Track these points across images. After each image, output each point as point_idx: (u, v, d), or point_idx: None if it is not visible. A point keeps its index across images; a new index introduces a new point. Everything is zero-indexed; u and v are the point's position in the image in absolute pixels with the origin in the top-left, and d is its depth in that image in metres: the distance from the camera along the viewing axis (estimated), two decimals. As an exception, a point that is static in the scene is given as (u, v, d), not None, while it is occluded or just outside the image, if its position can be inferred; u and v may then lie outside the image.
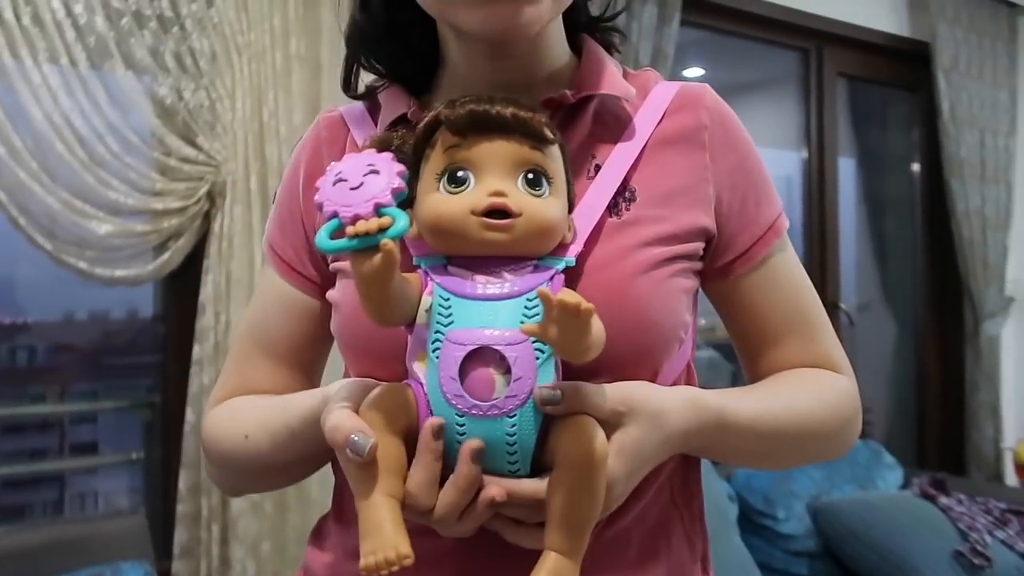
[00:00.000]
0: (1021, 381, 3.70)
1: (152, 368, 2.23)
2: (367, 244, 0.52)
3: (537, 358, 0.55)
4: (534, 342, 0.55)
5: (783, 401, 0.69)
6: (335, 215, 0.54)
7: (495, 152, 0.57)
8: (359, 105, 0.77)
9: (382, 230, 0.52)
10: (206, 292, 1.96)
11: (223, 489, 0.86)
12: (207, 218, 1.99)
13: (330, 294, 0.72)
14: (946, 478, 2.56)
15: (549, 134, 0.59)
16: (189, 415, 1.95)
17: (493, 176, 0.57)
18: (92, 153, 1.83)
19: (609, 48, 0.77)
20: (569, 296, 0.50)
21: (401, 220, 0.53)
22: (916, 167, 3.65)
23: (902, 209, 3.71)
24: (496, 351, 0.54)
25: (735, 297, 0.72)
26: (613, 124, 0.70)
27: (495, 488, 0.54)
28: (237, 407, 0.75)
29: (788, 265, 0.74)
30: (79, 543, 1.75)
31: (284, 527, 2.00)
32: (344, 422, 0.55)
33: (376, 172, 0.55)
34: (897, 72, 3.44)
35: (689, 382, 0.73)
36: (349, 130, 0.75)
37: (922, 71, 3.31)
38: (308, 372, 0.78)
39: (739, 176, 0.71)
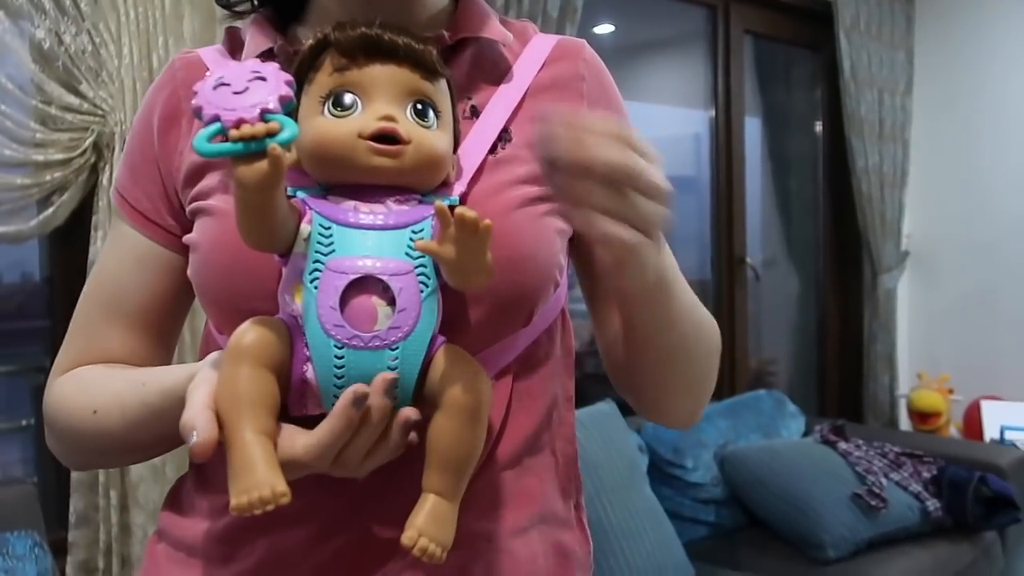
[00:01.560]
0: (915, 332, 3.87)
1: (43, 332, 2.12)
2: (253, 150, 0.49)
3: (421, 291, 0.53)
4: (418, 274, 0.53)
5: (693, 299, 0.72)
6: (216, 119, 0.50)
7: (385, 78, 0.55)
8: (217, 46, 0.73)
9: (270, 135, 0.49)
10: (95, 249, 1.85)
11: (67, 463, 0.79)
12: (94, 171, 1.88)
13: (188, 238, 0.67)
14: (845, 425, 2.66)
15: (439, 67, 0.58)
16: (81, 379, 1.86)
17: (381, 102, 0.55)
18: (-37, 101, 1.71)
19: None
20: (468, 212, 0.49)
21: (290, 127, 0.51)
22: (819, 125, 3.74)
23: (805, 167, 3.81)
24: (380, 281, 0.53)
25: (590, 248, 0.71)
26: (491, 69, 0.70)
27: (409, 410, 0.53)
28: (86, 378, 0.69)
29: None
30: (-38, 515, 1.66)
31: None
32: (185, 421, 0.53)
33: (263, 79, 0.53)
34: (801, 31, 3.50)
35: (564, 327, 0.73)
36: (207, 70, 0.70)
37: (825, 30, 3.38)
38: (163, 338, 0.73)
39: None
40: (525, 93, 0.69)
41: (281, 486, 0.49)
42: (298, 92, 0.56)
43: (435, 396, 0.54)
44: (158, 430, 0.64)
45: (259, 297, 0.59)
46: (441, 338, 0.56)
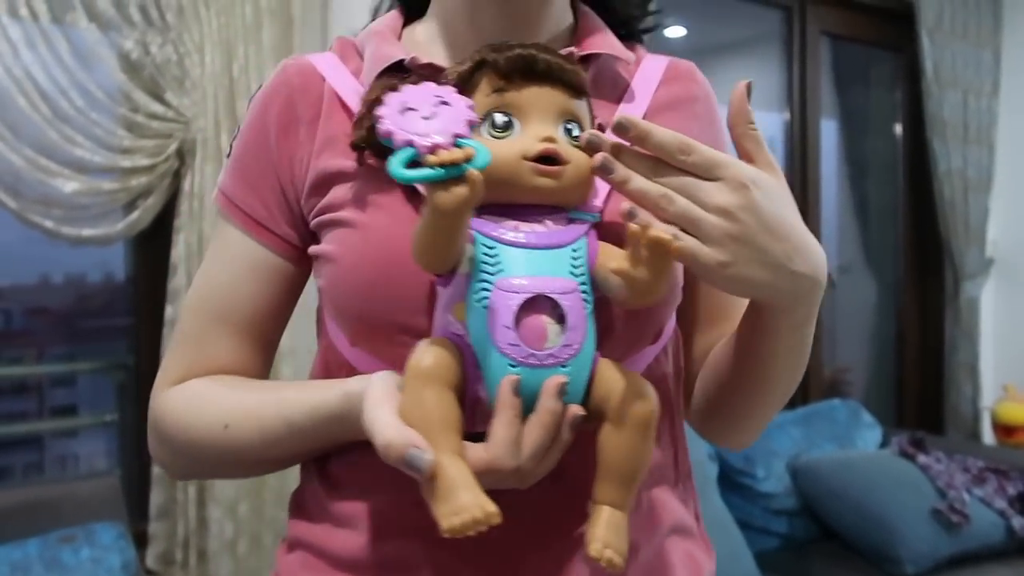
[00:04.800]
0: (1000, 341, 3.72)
1: (126, 330, 2.21)
2: (452, 175, 0.50)
3: (585, 308, 0.55)
4: (582, 292, 0.55)
5: None
6: (410, 144, 0.51)
7: (540, 99, 0.57)
8: (327, 54, 0.73)
9: (468, 160, 0.50)
10: (177, 252, 1.92)
11: (170, 472, 0.78)
12: (177, 176, 1.95)
13: (318, 249, 0.66)
14: (925, 437, 2.57)
15: (586, 87, 0.59)
16: (162, 376, 1.93)
17: (538, 123, 0.57)
18: (56, 109, 1.78)
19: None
20: (662, 234, 0.50)
21: (483, 152, 0.51)
22: (898, 128, 3.63)
23: (884, 170, 3.70)
24: (548, 299, 0.53)
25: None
26: (612, 86, 0.70)
27: (576, 407, 0.54)
28: (206, 394, 0.68)
29: None
30: (52, 504, 1.73)
31: (262, 489, 1.98)
32: (394, 440, 0.51)
33: (447, 104, 0.53)
34: (880, 31, 3.41)
35: (676, 346, 0.73)
36: (323, 80, 0.70)
37: (906, 30, 3.27)
38: (267, 347, 0.72)
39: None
40: (645, 113, 0.69)
41: (491, 507, 0.50)
42: None
43: (601, 409, 0.55)
44: (298, 447, 0.64)
45: (406, 312, 0.60)
46: (597, 353, 0.56)
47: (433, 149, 0.50)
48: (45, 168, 1.78)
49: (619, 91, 0.70)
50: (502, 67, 0.56)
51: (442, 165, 0.49)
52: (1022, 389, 3.47)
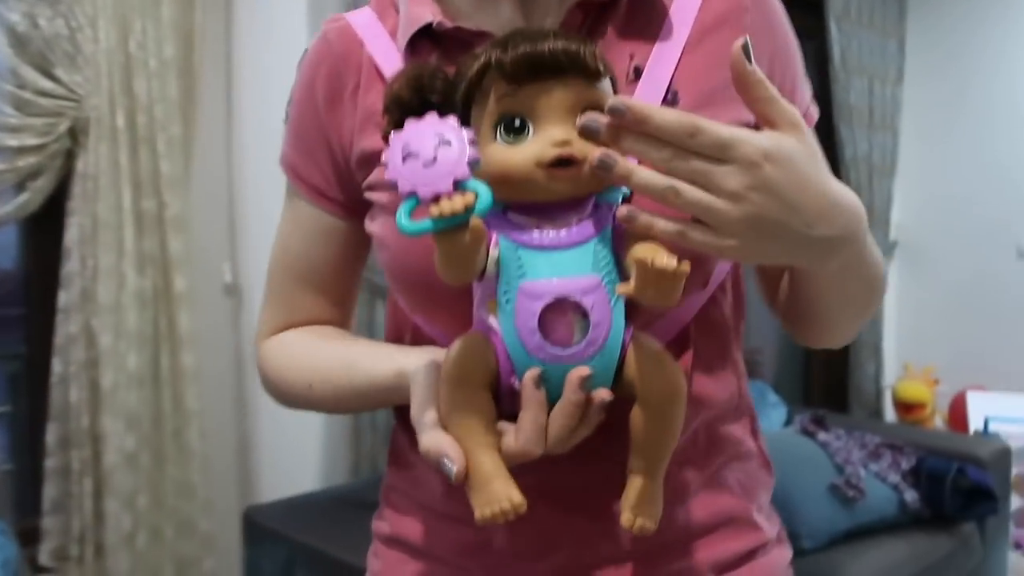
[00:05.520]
0: (902, 321, 3.87)
1: (18, 320, 2.11)
2: (454, 224, 0.51)
3: (610, 300, 0.55)
4: (606, 283, 0.55)
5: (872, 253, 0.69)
6: (413, 194, 0.52)
7: (552, 98, 0.55)
8: (365, 9, 0.71)
9: (467, 207, 0.51)
10: (71, 236, 1.85)
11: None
12: (70, 157, 1.87)
13: (372, 228, 0.70)
14: (826, 415, 2.65)
15: (601, 67, 0.56)
16: (56, 365, 1.86)
17: (552, 123, 0.55)
18: (-66, 84, 1.69)
19: None
20: (666, 260, 0.50)
21: (484, 194, 0.52)
22: (809, 114, 3.72)
23: (795, 155, 3.79)
24: (573, 300, 0.55)
25: None
26: (648, 19, 0.66)
27: (603, 391, 0.55)
28: (296, 353, 0.76)
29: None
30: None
31: (162, 480, 1.94)
32: (431, 448, 0.57)
33: (447, 143, 0.53)
34: (791, 19, 3.47)
35: (736, 291, 0.74)
36: (362, 44, 0.69)
37: (815, 18, 3.35)
38: (346, 300, 0.79)
39: (778, 62, 0.69)
40: (685, 44, 0.65)
41: (517, 497, 0.55)
42: (466, 112, 0.57)
43: (631, 386, 0.57)
44: (372, 405, 0.71)
45: (454, 294, 0.60)
46: (628, 333, 0.57)
47: (435, 198, 0.51)
48: (-77, 147, 1.69)
49: (657, 23, 0.66)
50: (508, 71, 0.55)
51: (443, 216, 0.51)
52: (920, 368, 3.62)
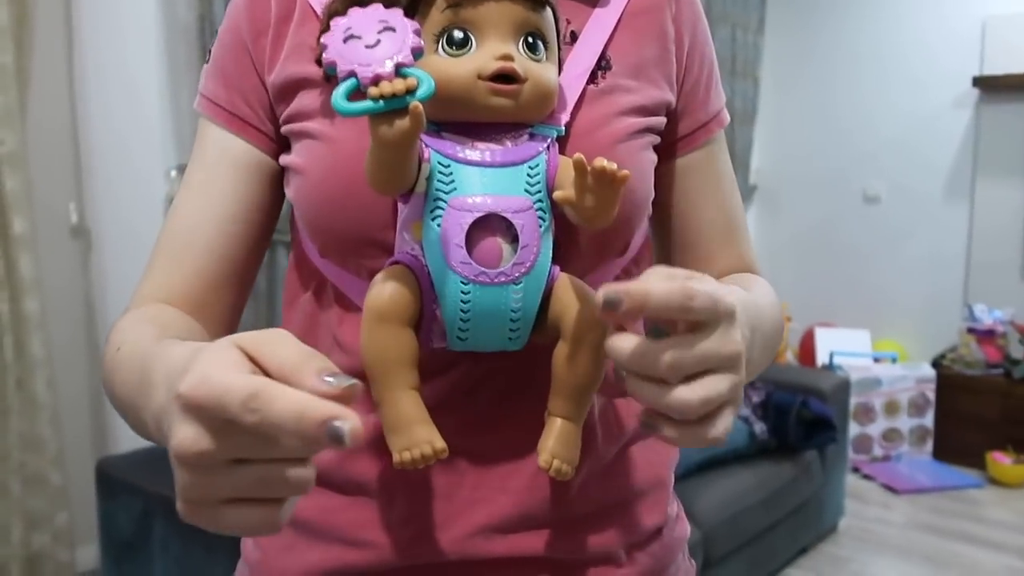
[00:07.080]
0: (761, 263, 4.07)
1: None
2: (393, 107, 0.49)
3: (540, 226, 0.55)
4: (537, 209, 0.55)
5: (768, 298, 0.70)
6: (352, 75, 0.50)
7: (497, 13, 0.55)
8: None
9: (409, 91, 0.49)
10: None
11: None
12: None
13: (287, 159, 0.65)
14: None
15: None
16: None
17: (495, 39, 0.55)
18: None
19: None
20: (607, 163, 0.49)
21: (427, 81, 0.50)
22: (676, 59, 3.80)
23: (662, 100, 3.87)
24: (502, 218, 0.54)
25: (670, 182, 0.72)
26: None
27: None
28: (142, 318, 0.62)
29: (724, 158, 0.75)
30: None
31: (7, 433, 1.84)
32: (309, 408, 0.39)
33: (391, 29, 0.51)
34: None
35: (645, 255, 0.73)
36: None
37: (683, -36, 3.40)
38: (244, 275, 0.68)
39: (696, 57, 0.71)
40: (620, 16, 0.67)
41: (439, 443, 0.52)
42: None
43: (556, 326, 0.56)
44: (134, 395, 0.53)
45: (374, 227, 0.59)
46: (555, 268, 0.57)
47: (375, 80, 0.49)
48: None
49: None
50: None
51: (383, 97, 0.48)
52: (774, 306, 3.83)
